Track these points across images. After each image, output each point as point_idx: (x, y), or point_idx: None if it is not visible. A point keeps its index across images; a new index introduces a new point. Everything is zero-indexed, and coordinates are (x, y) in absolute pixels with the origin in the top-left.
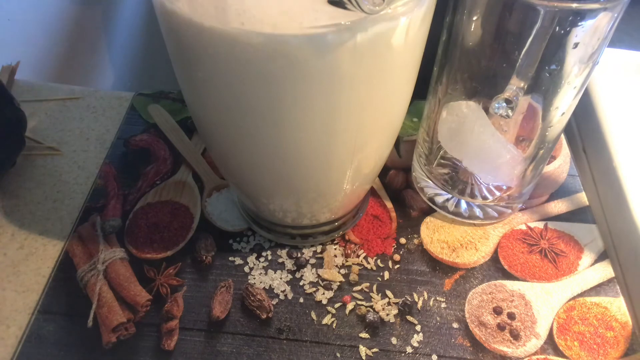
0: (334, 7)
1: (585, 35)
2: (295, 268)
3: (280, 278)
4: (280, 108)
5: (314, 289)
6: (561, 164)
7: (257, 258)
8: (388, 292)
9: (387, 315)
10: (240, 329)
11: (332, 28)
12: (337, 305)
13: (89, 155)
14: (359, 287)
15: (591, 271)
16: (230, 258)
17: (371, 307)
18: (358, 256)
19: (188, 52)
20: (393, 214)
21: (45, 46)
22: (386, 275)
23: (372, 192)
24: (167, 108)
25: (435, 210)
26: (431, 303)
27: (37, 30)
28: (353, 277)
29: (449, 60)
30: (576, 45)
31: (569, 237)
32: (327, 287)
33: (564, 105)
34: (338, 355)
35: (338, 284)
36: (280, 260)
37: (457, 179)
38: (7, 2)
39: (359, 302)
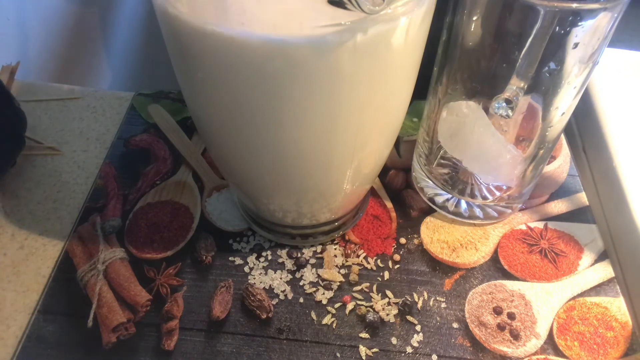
0: (334, 7)
1: (585, 35)
2: (295, 268)
3: (280, 278)
4: (280, 108)
5: (314, 289)
6: (561, 164)
7: (257, 258)
8: (388, 292)
9: (387, 315)
10: (240, 329)
11: (332, 28)
12: (337, 305)
13: (89, 155)
14: (359, 287)
15: (591, 271)
16: (230, 258)
17: (371, 307)
18: (358, 256)
19: (188, 53)
20: (393, 214)
21: (45, 46)
22: (386, 275)
23: (372, 192)
24: (167, 108)
25: (435, 210)
26: (431, 303)
27: (37, 30)
28: (353, 277)
29: (449, 60)
30: (576, 45)
31: (569, 237)
32: (327, 287)
33: (564, 105)
34: (338, 355)
35: (338, 284)
36: (280, 260)
37: (457, 179)
38: (7, 2)
39: (359, 302)
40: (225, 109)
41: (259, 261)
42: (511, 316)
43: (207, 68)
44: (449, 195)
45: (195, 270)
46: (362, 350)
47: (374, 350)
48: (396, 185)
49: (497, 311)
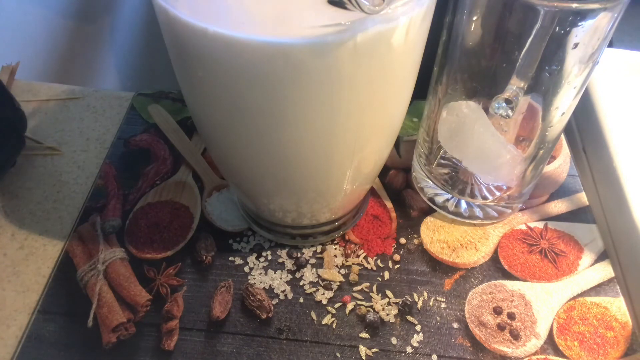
0: (334, 7)
1: (585, 35)
2: (295, 268)
3: (280, 278)
4: (280, 108)
5: (314, 289)
6: (561, 164)
7: (257, 258)
8: (388, 292)
9: (387, 315)
10: (240, 329)
11: (332, 28)
12: (337, 305)
13: (89, 155)
14: (359, 287)
15: (591, 271)
16: (230, 258)
17: (371, 307)
18: (358, 256)
19: (188, 53)
20: (393, 214)
21: (45, 46)
22: (386, 275)
23: (372, 192)
24: (167, 108)
25: (435, 210)
26: (431, 303)
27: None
28: (353, 277)
29: (449, 60)
30: (576, 45)
31: (569, 237)
32: (327, 287)
33: (564, 105)
34: (338, 355)
35: (338, 284)
36: (280, 260)
37: (457, 179)
38: (7, 2)
39: (359, 302)
40: (225, 109)
41: (259, 261)
42: (511, 316)
43: (207, 68)
44: (449, 195)
45: (195, 270)
46: (362, 350)
47: (374, 350)
48: (396, 185)
49: (497, 311)
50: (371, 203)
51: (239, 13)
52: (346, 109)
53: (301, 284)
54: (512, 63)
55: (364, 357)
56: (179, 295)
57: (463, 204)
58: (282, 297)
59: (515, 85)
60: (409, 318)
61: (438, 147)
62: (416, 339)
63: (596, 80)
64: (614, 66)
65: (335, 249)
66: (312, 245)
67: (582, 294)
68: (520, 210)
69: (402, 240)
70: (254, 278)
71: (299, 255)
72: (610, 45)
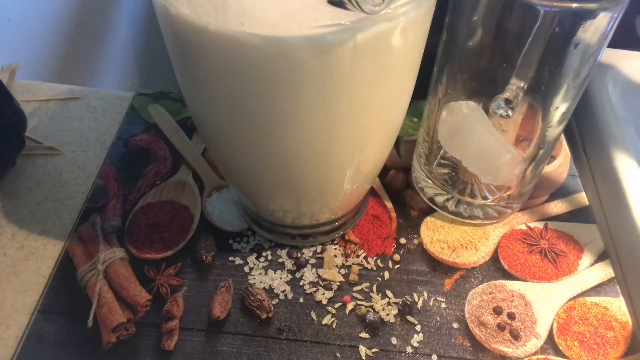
0: (334, 7)
1: (585, 35)
2: (295, 268)
3: (280, 278)
4: (280, 108)
5: (314, 289)
6: (561, 164)
7: (257, 258)
8: (388, 292)
9: (387, 315)
10: (240, 329)
11: (332, 28)
12: (337, 305)
13: (89, 155)
14: (359, 287)
15: (591, 271)
16: (230, 258)
17: (371, 307)
18: (358, 256)
19: (188, 52)
20: (393, 214)
21: (45, 46)
22: (386, 275)
23: (372, 192)
24: (167, 108)
25: (435, 210)
26: (431, 303)
27: (37, 30)
28: (353, 277)
29: (449, 60)
30: (576, 45)
31: (569, 237)
32: (327, 287)
33: (564, 105)
34: (338, 355)
35: (338, 284)
36: (280, 260)
37: (457, 179)
38: (7, 2)
39: (359, 302)
40: (225, 108)
41: (259, 261)
42: (511, 316)
43: (207, 68)
44: (449, 195)
45: (195, 270)
46: (362, 350)
47: (374, 350)
48: (396, 185)
49: (497, 311)
50: (371, 203)
51: (239, 13)
52: (346, 108)
53: (301, 284)
54: (512, 63)
55: (364, 357)
56: (179, 295)
57: (463, 204)
58: (282, 297)
59: (515, 85)
60: (409, 318)
61: (438, 147)
62: (416, 339)
63: (596, 80)
64: (614, 66)
65: (335, 249)
66: (312, 245)
67: (582, 294)
68: (520, 210)
69: (402, 240)
70: (254, 278)
71: (299, 255)
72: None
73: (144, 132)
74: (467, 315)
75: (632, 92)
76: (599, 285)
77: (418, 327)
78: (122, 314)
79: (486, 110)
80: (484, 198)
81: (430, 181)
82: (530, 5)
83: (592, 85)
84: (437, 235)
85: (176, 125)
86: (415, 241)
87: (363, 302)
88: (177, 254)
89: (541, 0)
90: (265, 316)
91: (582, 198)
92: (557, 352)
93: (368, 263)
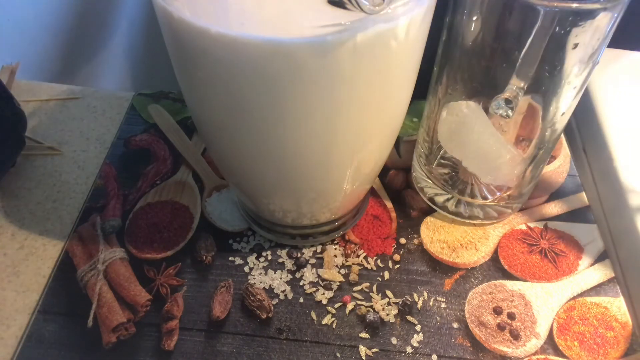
0: (333, 7)
1: (585, 35)
2: (295, 268)
3: (280, 278)
4: (280, 108)
5: (314, 289)
6: (561, 164)
7: (257, 258)
8: (388, 292)
9: (387, 315)
10: (240, 329)
11: (331, 28)
12: (337, 305)
13: (89, 155)
14: (359, 287)
15: (591, 271)
16: (230, 258)
17: (371, 307)
18: (358, 256)
19: (188, 53)
20: (393, 214)
21: (45, 46)
22: (386, 275)
23: (372, 192)
24: (167, 108)
25: (435, 210)
26: (431, 303)
27: (37, 30)
28: (353, 277)
29: (449, 60)
30: (576, 45)
31: (569, 237)
32: (327, 287)
33: (564, 105)
34: (338, 355)
35: (338, 284)
36: (280, 260)
37: (457, 179)
38: (7, 2)
39: (359, 302)
40: (225, 108)
41: (259, 261)
42: (511, 316)
43: (207, 68)
44: (449, 195)
45: (195, 270)
46: (362, 350)
47: (374, 350)
48: (396, 185)
49: (497, 311)
50: (371, 203)
51: (239, 13)
52: (346, 108)
53: (301, 284)
54: (512, 63)
55: (364, 357)
56: (179, 295)
57: (463, 204)
58: (282, 297)
59: (515, 85)
60: (409, 318)
61: (438, 147)
62: (416, 339)
63: (596, 80)
64: (614, 66)
65: (335, 249)
66: (312, 245)
67: (582, 294)
68: (520, 210)
69: (402, 240)
70: (254, 278)
71: (299, 255)
72: (610, 45)
73: (144, 132)
74: (467, 315)
75: (632, 92)
76: (599, 285)
77: (418, 327)
78: (122, 314)
79: (486, 110)
80: (484, 198)
81: (430, 181)
82: (530, 5)
83: (592, 86)
84: (437, 235)
85: (176, 125)
86: (415, 241)
87: (363, 302)
88: (177, 254)
89: (541, 1)
90: (265, 316)
91: (582, 198)
92: (557, 352)
93: (368, 263)
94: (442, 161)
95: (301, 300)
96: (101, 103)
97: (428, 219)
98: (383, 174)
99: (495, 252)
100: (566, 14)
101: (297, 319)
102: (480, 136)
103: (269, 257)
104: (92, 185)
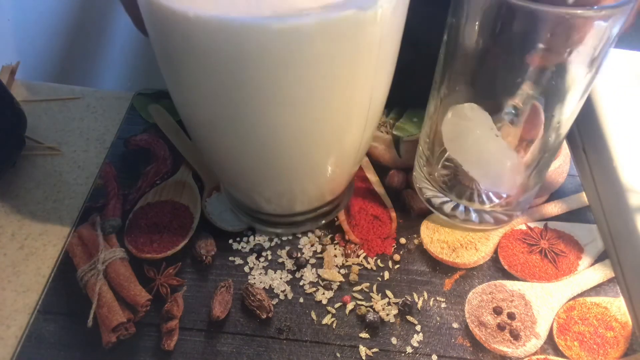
0: None
1: (589, 40)
2: (295, 268)
3: (280, 278)
4: (255, 90)
5: (314, 289)
6: (561, 164)
7: (257, 258)
8: (388, 292)
9: (387, 315)
10: (240, 329)
11: (305, 11)
12: (337, 305)
13: (89, 155)
14: (359, 287)
15: (591, 271)
16: (230, 258)
17: (371, 307)
18: (358, 256)
19: (166, 37)
20: (393, 214)
21: (45, 46)
22: (386, 275)
23: (372, 192)
24: (167, 108)
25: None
26: (431, 303)
27: (37, 30)
28: (353, 277)
29: (450, 61)
30: (579, 51)
31: (569, 237)
32: (327, 287)
33: (568, 109)
34: (338, 355)
35: (338, 284)
36: (280, 260)
37: (456, 182)
38: (7, 2)
39: (359, 302)
40: (204, 93)
41: (259, 261)
42: (511, 316)
43: (185, 52)
44: (446, 198)
45: (195, 270)
46: (362, 350)
47: (374, 350)
48: (396, 185)
49: (497, 311)
50: (371, 203)
51: None
52: (320, 90)
53: (301, 284)
54: (515, 67)
55: (364, 357)
56: (179, 295)
57: (460, 208)
58: (282, 297)
59: (523, 91)
60: (409, 318)
61: (442, 150)
62: (416, 339)
63: (596, 80)
64: (614, 66)
65: (335, 248)
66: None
67: (582, 294)
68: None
69: (402, 240)
70: (254, 278)
71: (299, 255)
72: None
73: (144, 132)
74: (467, 315)
75: (632, 92)
76: (599, 285)
77: (418, 327)
78: (122, 314)
79: (490, 112)
80: (482, 203)
81: (428, 182)
82: (532, 11)
83: (592, 86)
84: (437, 235)
85: (176, 125)
86: (415, 241)
87: (363, 302)
88: (177, 254)
89: (544, 6)
90: (265, 316)
91: (582, 198)
92: (557, 352)
93: (368, 263)
94: (446, 163)
95: (301, 300)
96: (101, 103)
97: (428, 219)
98: (383, 174)
99: (495, 252)
100: (570, 19)
101: (297, 319)
102: (481, 140)
103: (269, 257)
104: (92, 185)
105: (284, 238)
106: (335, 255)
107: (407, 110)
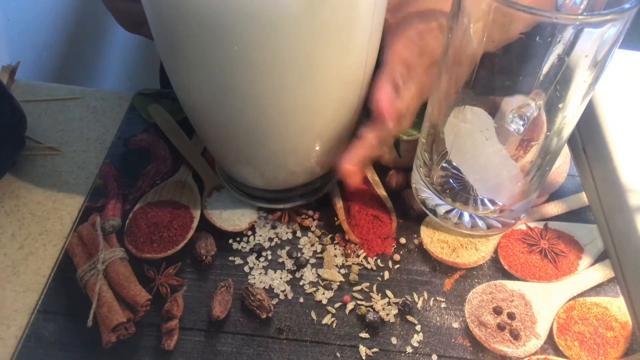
0: None
1: (592, 46)
2: (295, 268)
3: (280, 278)
4: (245, 61)
5: (314, 288)
6: (561, 164)
7: (257, 258)
8: (388, 292)
9: (387, 315)
10: (240, 329)
11: None
12: (337, 305)
13: (89, 155)
14: (359, 287)
15: (591, 271)
16: (230, 258)
17: (371, 307)
18: (358, 256)
19: (163, 16)
20: (393, 214)
21: (45, 46)
22: (386, 275)
23: (372, 192)
24: (167, 108)
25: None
26: (431, 303)
27: (37, 30)
28: (353, 277)
29: (451, 64)
30: (583, 55)
31: (569, 237)
32: (327, 287)
33: (570, 113)
34: (338, 355)
35: (338, 283)
36: (280, 260)
37: (453, 186)
38: (7, 2)
39: (359, 302)
40: (197, 60)
41: (259, 261)
42: (511, 316)
43: (175, 13)
44: (442, 202)
45: (195, 270)
46: (362, 350)
47: (374, 350)
48: (396, 185)
49: (497, 311)
50: (371, 203)
51: None
52: (315, 56)
53: (301, 283)
54: (514, 71)
55: (364, 357)
56: (179, 295)
57: (456, 212)
58: (282, 297)
59: (530, 100)
60: (409, 318)
61: (439, 153)
62: (416, 339)
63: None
64: (614, 66)
65: (335, 248)
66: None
67: (582, 294)
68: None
69: (402, 240)
70: (254, 278)
71: (299, 255)
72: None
73: (144, 131)
74: (467, 315)
75: (632, 92)
76: (599, 285)
77: (418, 327)
78: (122, 314)
79: (492, 115)
80: (476, 209)
81: (424, 183)
82: (531, 17)
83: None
84: (437, 235)
85: (176, 125)
86: (415, 241)
87: (363, 302)
88: (177, 254)
89: (547, 13)
90: (265, 316)
91: (582, 198)
92: (557, 352)
93: (368, 263)
94: (443, 165)
95: (301, 300)
96: (101, 103)
97: (428, 219)
98: (383, 174)
99: (495, 252)
100: (573, 26)
101: (297, 319)
102: (478, 145)
103: (269, 257)
104: (92, 185)
105: (284, 238)
106: (335, 255)
107: None
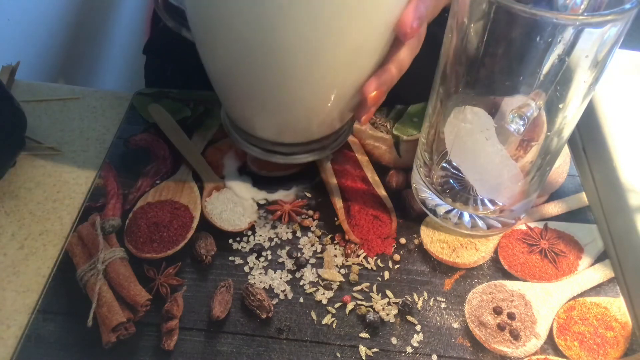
0: None
1: (592, 46)
2: (295, 268)
3: (280, 278)
4: (268, 19)
5: (314, 288)
6: (561, 164)
7: (257, 258)
8: (388, 292)
9: (387, 315)
10: (240, 329)
11: None
12: (337, 305)
13: (89, 155)
14: (359, 287)
15: (591, 271)
16: (230, 258)
17: (371, 307)
18: (358, 256)
19: None
20: (393, 214)
21: (45, 46)
22: (386, 275)
23: (372, 191)
24: (167, 107)
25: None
26: (431, 303)
27: (37, 30)
28: (353, 277)
29: (451, 64)
30: (582, 56)
31: (569, 237)
32: (327, 287)
33: (570, 113)
34: (338, 355)
35: (338, 283)
36: (280, 260)
37: (453, 186)
38: (7, 2)
39: (359, 302)
40: (222, 22)
41: (259, 261)
42: (511, 316)
43: None
44: (442, 202)
45: (195, 270)
46: (362, 350)
47: (374, 350)
48: (396, 185)
49: (497, 311)
50: (371, 203)
51: None
52: (325, 18)
53: (301, 283)
54: (514, 72)
55: (364, 357)
56: (178, 295)
57: (456, 213)
58: (282, 297)
59: (530, 100)
60: (409, 318)
61: (440, 153)
62: (416, 339)
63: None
64: (614, 66)
65: (335, 248)
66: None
67: (582, 294)
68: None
69: (402, 240)
70: (254, 278)
71: (299, 255)
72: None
73: (144, 131)
74: (467, 315)
75: (632, 92)
76: (599, 285)
77: (418, 327)
78: (122, 314)
79: (492, 115)
80: (477, 209)
81: (424, 183)
82: (534, 17)
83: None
84: (437, 235)
85: (176, 125)
86: (415, 241)
87: (363, 302)
88: (177, 254)
89: (547, 13)
90: (265, 316)
91: (582, 198)
92: (557, 352)
93: (368, 263)
94: (444, 165)
95: (301, 300)
96: (101, 103)
97: (428, 218)
98: (383, 174)
99: (495, 252)
100: (573, 26)
101: (297, 319)
102: (478, 145)
103: (269, 257)
104: (92, 185)
105: (284, 238)
106: (335, 255)
107: (407, 110)
